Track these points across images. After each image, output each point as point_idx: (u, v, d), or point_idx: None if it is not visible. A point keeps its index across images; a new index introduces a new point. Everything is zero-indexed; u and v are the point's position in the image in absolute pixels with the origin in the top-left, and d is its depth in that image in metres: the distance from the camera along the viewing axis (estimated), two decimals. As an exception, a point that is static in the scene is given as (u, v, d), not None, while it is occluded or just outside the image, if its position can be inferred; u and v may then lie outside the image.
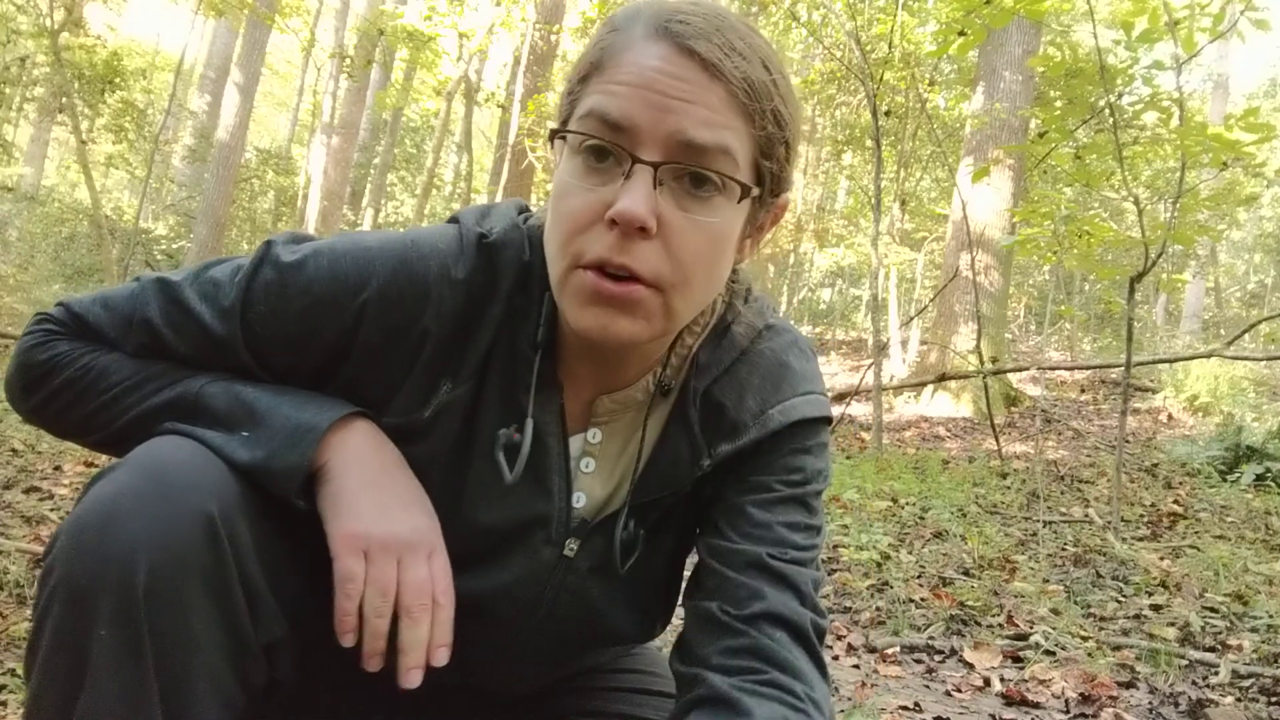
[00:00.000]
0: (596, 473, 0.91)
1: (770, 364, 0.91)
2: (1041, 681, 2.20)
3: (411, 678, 0.78)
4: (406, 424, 0.85)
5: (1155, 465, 6.13)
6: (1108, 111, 4.42)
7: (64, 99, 9.26)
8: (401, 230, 0.87)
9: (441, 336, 0.83)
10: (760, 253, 1.06)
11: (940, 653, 2.45)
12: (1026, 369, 8.26)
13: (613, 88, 0.75)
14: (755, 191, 0.79)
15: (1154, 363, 8.07)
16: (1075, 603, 2.90)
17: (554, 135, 0.80)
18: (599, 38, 0.79)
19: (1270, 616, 2.74)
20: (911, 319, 10.99)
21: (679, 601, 0.97)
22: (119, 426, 0.83)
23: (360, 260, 0.82)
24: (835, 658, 2.36)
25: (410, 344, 0.83)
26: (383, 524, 0.78)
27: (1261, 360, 7.66)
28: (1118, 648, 2.46)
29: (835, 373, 11.67)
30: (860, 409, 8.27)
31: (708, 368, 0.90)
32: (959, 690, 2.17)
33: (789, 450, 0.90)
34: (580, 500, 0.90)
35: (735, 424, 0.88)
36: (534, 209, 0.93)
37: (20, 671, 1.60)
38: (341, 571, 0.77)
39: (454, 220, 0.88)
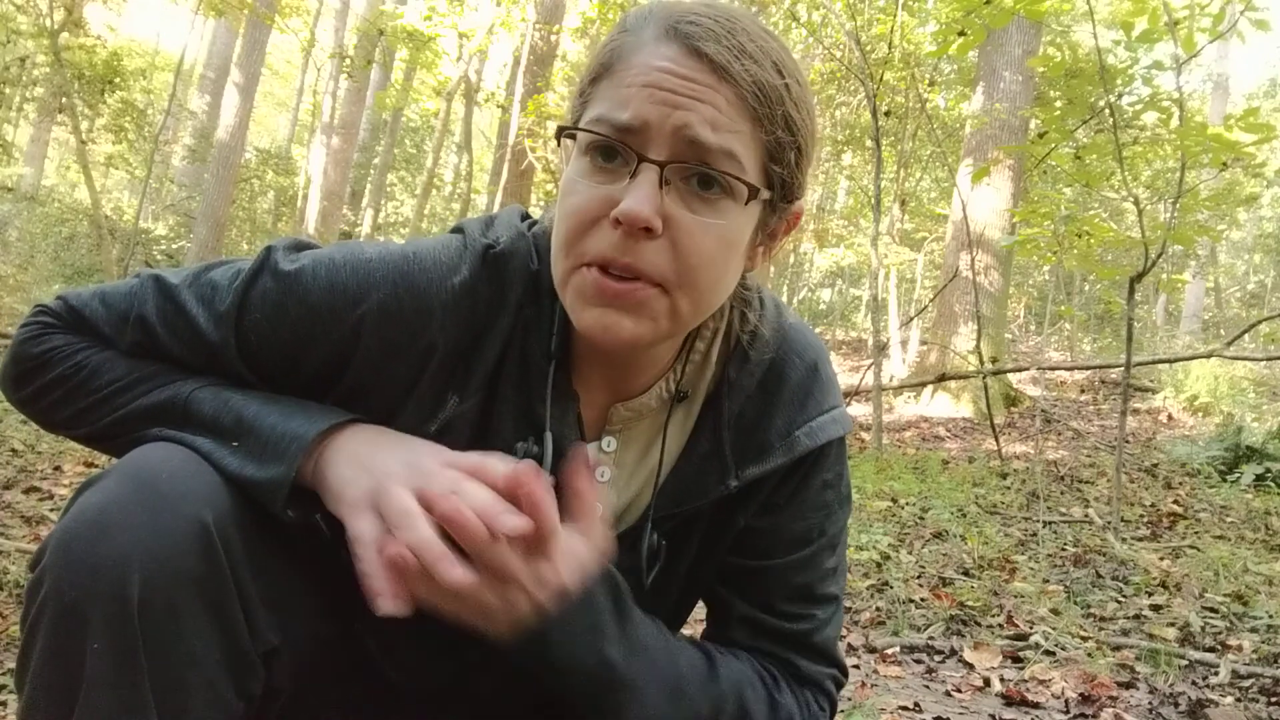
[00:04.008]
0: (612, 482, 0.90)
1: (796, 377, 0.91)
2: (1041, 681, 2.20)
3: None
4: None
5: (1155, 465, 6.12)
6: (1107, 112, 4.42)
7: (64, 99, 9.27)
8: (402, 241, 0.85)
9: (448, 350, 0.82)
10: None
11: (940, 653, 2.44)
12: (1026, 369, 8.25)
13: (622, 90, 0.74)
14: (764, 195, 0.77)
15: (1154, 363, 8.06)
16: (1075, 603, 2.90)
17: (561, 133, 0.79)
18: (611, 39, 0.79)
19: (1270, 616, 2.74)
20: (911, 319, 10.98)
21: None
22: (106, 424, 0.83)
23: (360, 272, 0.80)
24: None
25: (414, 358, 0.81)
26: (377, 465, 0.74)
27: (1261, 360, 7.66)
28: (1118, 648, 2.46)
29: (835, 373, 11.65)
30: (860, 409, 8.26)
31: (739, 386, 0.89)
32: (959, 690, 2.17)
33: (819, 484, 0.92)
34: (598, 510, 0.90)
35: (763, 445, 0.88)
36: (534, 213, 0.92)
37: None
38: (351, 537, 0.72)
39: (458, 230, 0.87)
